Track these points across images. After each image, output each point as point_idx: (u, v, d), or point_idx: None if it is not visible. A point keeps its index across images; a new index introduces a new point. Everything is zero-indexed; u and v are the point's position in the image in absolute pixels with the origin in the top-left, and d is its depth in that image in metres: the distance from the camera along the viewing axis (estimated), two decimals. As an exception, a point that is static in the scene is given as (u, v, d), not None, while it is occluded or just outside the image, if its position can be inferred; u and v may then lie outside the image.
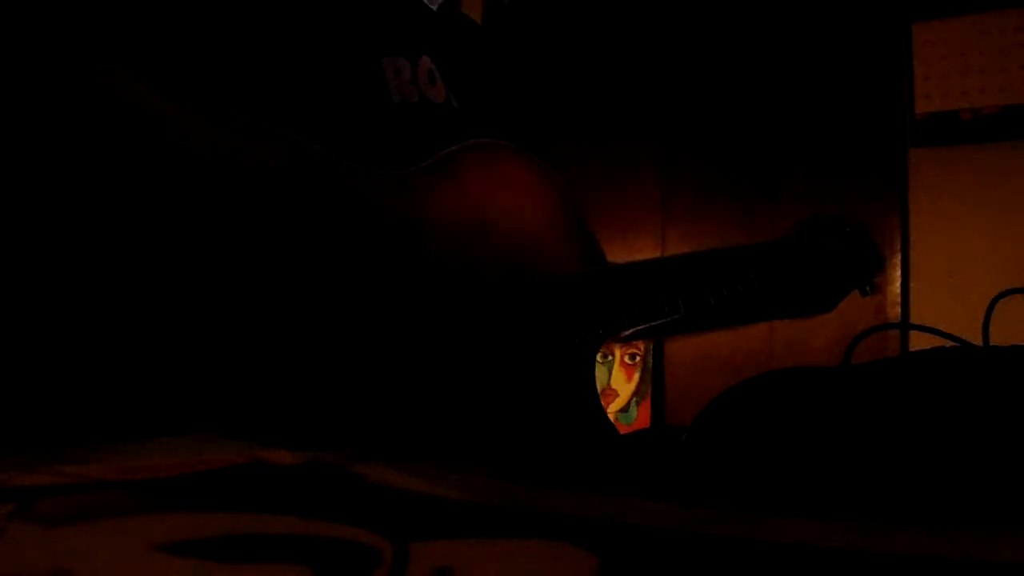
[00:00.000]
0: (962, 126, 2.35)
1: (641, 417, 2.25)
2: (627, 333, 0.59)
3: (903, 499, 0.29)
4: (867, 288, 0.76)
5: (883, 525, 0.18)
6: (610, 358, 2.30)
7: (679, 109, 2.65)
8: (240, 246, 0.39)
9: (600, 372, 2.24)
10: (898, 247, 2.40)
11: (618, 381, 2.30)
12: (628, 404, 2.26)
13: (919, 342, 0.56)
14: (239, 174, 0.39)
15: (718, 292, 0.59)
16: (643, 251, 2.64)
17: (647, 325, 0.58)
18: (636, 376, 2.28)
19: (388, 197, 0.48)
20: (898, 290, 2.39)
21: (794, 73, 2.52)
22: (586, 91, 2.75)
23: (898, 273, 2.40)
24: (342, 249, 0.44)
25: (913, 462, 0.30)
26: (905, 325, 2.17)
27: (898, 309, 2.37)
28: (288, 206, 0.41)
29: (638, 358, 2.30)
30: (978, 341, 0.48)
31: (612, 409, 2.27)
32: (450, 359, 0.49)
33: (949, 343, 0.46)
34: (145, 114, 0.36)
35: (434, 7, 0.69)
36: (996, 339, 0.51)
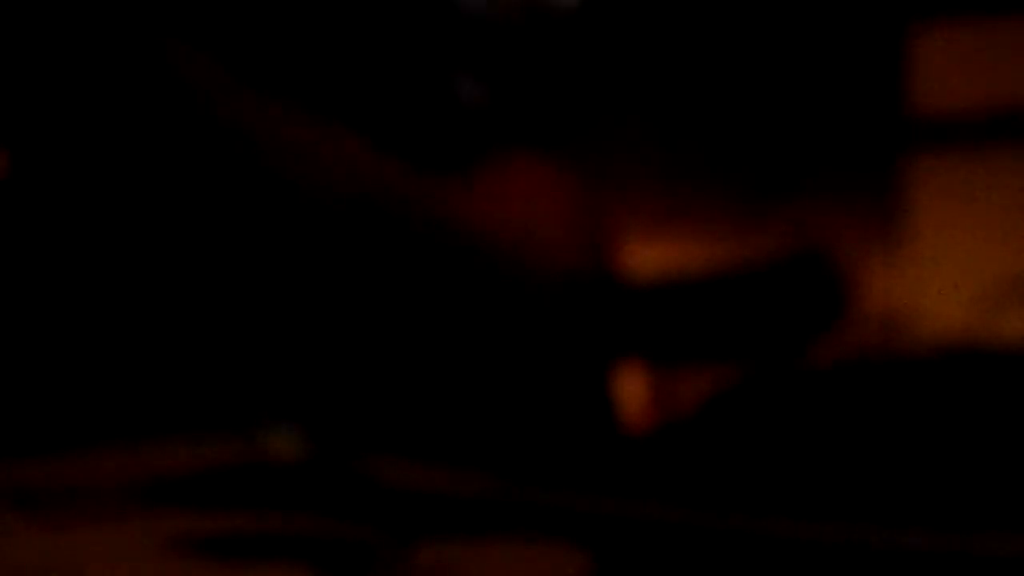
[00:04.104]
0: (963, 128, 2.35)
1: (640, 417, 2.25)
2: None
3: (903, 500, 0.29)
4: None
5: (882, 526, 0.18)
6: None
7: (678, 110, 2.66)
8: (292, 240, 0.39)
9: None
10: (898, 249, 2.40)
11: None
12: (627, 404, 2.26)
13: (919, 343, 0.56)
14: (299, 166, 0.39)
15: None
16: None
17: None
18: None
19: (439, 198, 0.48)
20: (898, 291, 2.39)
21: (792, 73, 2.52)
22: (582, 92, 2.75)
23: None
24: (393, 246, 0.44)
25: (912, 463, 0.30)
26: (905, 326, 2.17)
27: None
28: (339, 201, 0.41)
29: (638, 359, 2.31)
30: (979, 343, 0.48)
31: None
32: (476, 356, 0.48)
33: (950, 344, 0.46)
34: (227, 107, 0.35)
35: (488, 22, 0.68)
36: (997, 341, 0.51)
